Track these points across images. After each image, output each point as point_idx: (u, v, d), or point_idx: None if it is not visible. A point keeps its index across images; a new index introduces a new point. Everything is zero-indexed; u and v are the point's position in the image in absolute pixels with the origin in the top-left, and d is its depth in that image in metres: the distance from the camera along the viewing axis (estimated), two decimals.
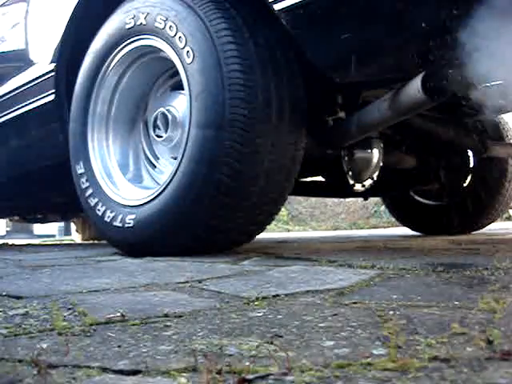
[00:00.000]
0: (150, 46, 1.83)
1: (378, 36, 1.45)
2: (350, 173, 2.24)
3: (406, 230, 3.67)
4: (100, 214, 1.87)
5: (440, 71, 1.47)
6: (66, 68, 2.23)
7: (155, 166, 2.02)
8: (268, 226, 1.82)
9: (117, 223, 1.80)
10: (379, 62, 1.59)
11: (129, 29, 1.85)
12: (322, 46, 1.55)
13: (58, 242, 5.55)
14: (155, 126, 1.88)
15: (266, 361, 0.58)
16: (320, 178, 2.70)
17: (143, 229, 1.72)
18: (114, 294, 1.04)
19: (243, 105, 1.55)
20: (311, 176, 2.70)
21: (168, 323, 0.78)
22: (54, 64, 2.23)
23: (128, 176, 1.98)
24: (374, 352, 0.60)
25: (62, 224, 12.32)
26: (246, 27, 1.61)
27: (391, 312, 0.79)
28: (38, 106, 2.34)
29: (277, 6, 1.51)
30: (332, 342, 0.64)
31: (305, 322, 0.75)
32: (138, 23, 1.81)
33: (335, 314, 0.79)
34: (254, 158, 1.58)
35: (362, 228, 6.79)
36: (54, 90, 2.25)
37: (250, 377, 0.53)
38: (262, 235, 1.99)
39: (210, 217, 1.62)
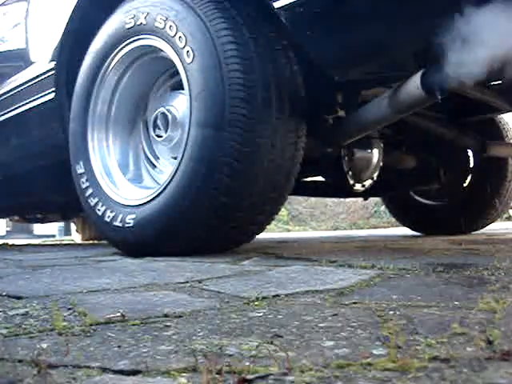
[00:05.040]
0: (149, 45, 1.83)
1: (377, 34, 1.45)
2: (350, 173, 2.24)
3: (406, 230, 3.67)
4: (100, 213, 1.87)
5: (439, 69, 1.47)
6: (66, 67, 2.23)
7: (155, 166, 2.02)
8: (268, 226, 1.82)
9: (117, 223, 1.80)
10: (379, 60, 1.60)
11: (129, 29, 1.85)
12: (322, 45, 1.55)
13: (58, 242, 5.56)
14: (155, 126, 1.88)
15: (266, 361, 0.58)
16: (320, 178, 2.70)
17: (143, 229, 1.72)
18: (113, 294, 1.04)
19: (243, 105, 1.55)
20: (311, 176, 2.70)
21: (168, 323, 0.78)
22: (54, 63, 2.23)
23: (128, 176, 1.98)
24: (374, 352, 0.60)
25: (61, 224, 12.31)
26: (246, 27, 1.61)
27: (391, 312, 0.79)
28: (39, 105, 2.35)
29: (277, 4, 1.51)
30: (332, 342, 0.64)
31: (305, 321, 0.75)
32: (138, 23, 1.81)
33: (335, 314, 0.79)
34: (253, 158, 1.58)
35: (362, 228, 6.80)
36: (53, 89, 2.25)
37: (250, 377, 0.53)
38: (262, 235, 1.99)
39: (210, 217, 1.62)
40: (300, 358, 0.58)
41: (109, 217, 1.83)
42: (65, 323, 0.80)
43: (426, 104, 1.60)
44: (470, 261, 1.38)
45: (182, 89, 1.72)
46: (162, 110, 1.86)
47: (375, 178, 2.37)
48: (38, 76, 2.33)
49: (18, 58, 2.54)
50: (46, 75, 2.28)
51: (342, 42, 1.53)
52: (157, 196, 1.70)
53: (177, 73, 1.78)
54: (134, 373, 0.56)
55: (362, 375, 0.53)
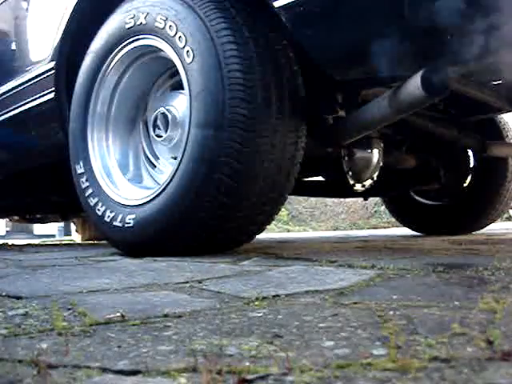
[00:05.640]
0: (149, 45, 1.83)
1: (377, 33, 1.45)
2: (350, 173, 2.24)
3: (406, 230, 3.67)
4: (100, 213, 1.87)
5: (439, 68, 1.47)
6: (66, 67, 2.23)
7: (155, 166, 2.02)
8: (268, 226, 1.82)
9: (117, 223, 1.80)
10: (378, 60, 1.59)
11: (129, 28, 1.85)
12: (322, 44, 1.55)
13: (58, 242, 5.56)
14: (155, 126, 1.88)
15: (266, 361, 0.58)
16: (320, 178, 2.70)
17: (143, 229, 1.72)
18: (113, 294, 1.04)
19: (243, 105, 1.55)
20: (311, 176, 2.70)
21: (168, 323, 0.78)
22: (54, 63, 2.23)
23: (128, 176, 1.98)
24: (374, 352, 0.60)
25: (61, 224, 12.33)
26: (246, 27, 1.61)
27: (391, 312, 0.79)
28: (39, 105, 2.35)
29: (277, 4, 1.51)
30: (332, 342, 0.64)
31: (305, 322, 0.75)
32: (138, 23, 1.81)
33: (335, 314, 0.79)
34: (253, 158, 1.58)
35: (362, 228, 6.80)
36: (53, 89, 2.25)
37: (250, 377, 0.53)
38: (262, 235, 1.99)
39: (210, 217, 1.62)
40: (300, 358, 0.58)
41: (109, 217, 1.83)
42: (65, 323, 0.80)
43: (425, 104, 1.59)
44: (469, 261, 1.38)
45: (182, 89, 1.72)
46: (161, 109, 1.86)
47: (375, 178, 2.36)
48: (37, 76, 2.33)
49: (18, 58, 2.54)
50: (45, 75, 2.28)
51: (341, 41, 1.53)
52: (157, 196, 1.70)
53: (177, 73, 1.78)
54: (134, 373, 0.56)
55: (362, 375, 0.53)
